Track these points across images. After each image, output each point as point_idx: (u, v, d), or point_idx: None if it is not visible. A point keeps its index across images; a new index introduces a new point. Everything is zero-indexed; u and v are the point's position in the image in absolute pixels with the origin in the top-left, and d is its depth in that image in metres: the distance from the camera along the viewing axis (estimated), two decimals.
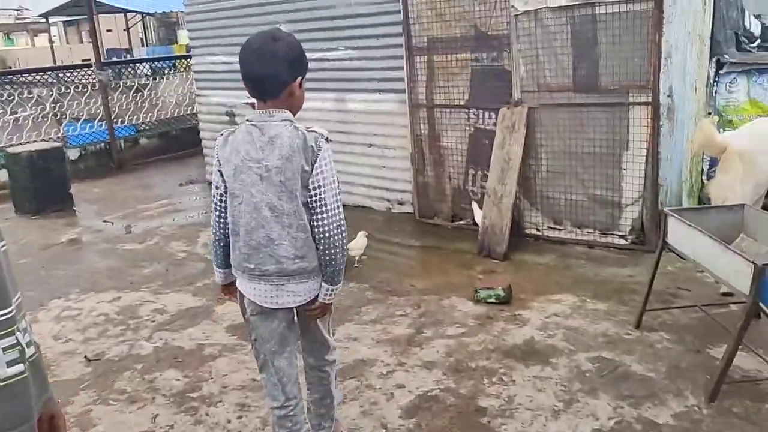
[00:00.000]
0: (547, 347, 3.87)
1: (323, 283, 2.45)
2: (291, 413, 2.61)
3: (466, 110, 5.86)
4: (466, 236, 5.83)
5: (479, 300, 4.52)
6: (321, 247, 2.39)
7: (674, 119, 4.94)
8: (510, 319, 4.27)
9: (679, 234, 3.65)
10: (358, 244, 5.48)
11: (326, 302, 2.50)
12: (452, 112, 5.96)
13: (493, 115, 5.67)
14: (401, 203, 6.80)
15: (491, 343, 3.96)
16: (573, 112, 5.22)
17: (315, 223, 2.36)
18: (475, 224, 5.70)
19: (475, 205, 5.69)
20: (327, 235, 2.36)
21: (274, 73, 2.32)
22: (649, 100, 4.83)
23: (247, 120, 2.40)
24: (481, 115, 5.79)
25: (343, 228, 2.40)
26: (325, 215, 2.35)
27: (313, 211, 2.36)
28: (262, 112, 2.37)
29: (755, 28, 6.94)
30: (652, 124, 4.85)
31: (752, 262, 2.93)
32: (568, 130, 5.28)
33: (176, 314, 4.71)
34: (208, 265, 5.55)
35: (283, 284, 2.42)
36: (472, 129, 5.88)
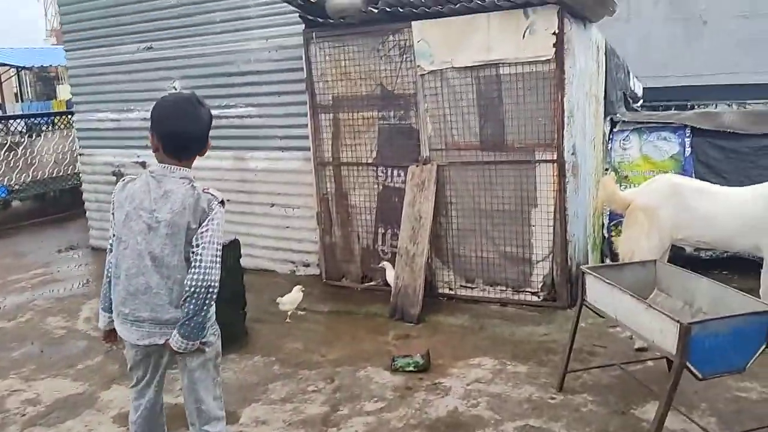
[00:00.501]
0: (472, 418, 3.66)
1: (175, 330, 2.50)
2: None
3: (375, 168, 5.73)
4: (377, 298, 5.60)
5: (397, 369, 4.27)
6: (184, 300, 2.45)
7: (578, 176, 5.03)
8: (431, 388, 4.04)
9: (599, 293, 3.60)
10: (291, 298, 5.26)
11: (174, 348, 2.53)
12: (360, 170, 5.80)
13: (402, 173, 5.56)
14: (307, 265, 6.50)
15: (414, 418, 3.70)
16: (481, 170, 5.21)
17: (188, 277, 2.44)
18: (387, 285, 5.50)
19: (387, 265, 5.49)
20: (193, 290, 2.43)
21: (198, 135, 2.53)
22: (555, 157, 4.89)
23: (149, 170, 2.55)
24: (389, 173, 5.67)
25: (211, 290, 2.46)
26: (198, 271, 2.43)
27: (190, 266, 2.46)
28: (164, 167, 2.53)
29: (638, 89, 7.41)
30: (558, 180, 4.91)
31: (678, 321, 2.88)
32: (477, 187, 5.25)
33: (52, 404, 4.09)
34: (92, 343, 4.97)
35: (155, 332, 2.54)
36: (381, 187, 5.74)
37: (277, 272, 6.66)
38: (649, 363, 4.11)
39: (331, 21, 5.51)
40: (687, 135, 5.83)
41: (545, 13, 4.71)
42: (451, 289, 5.54)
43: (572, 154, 4.92)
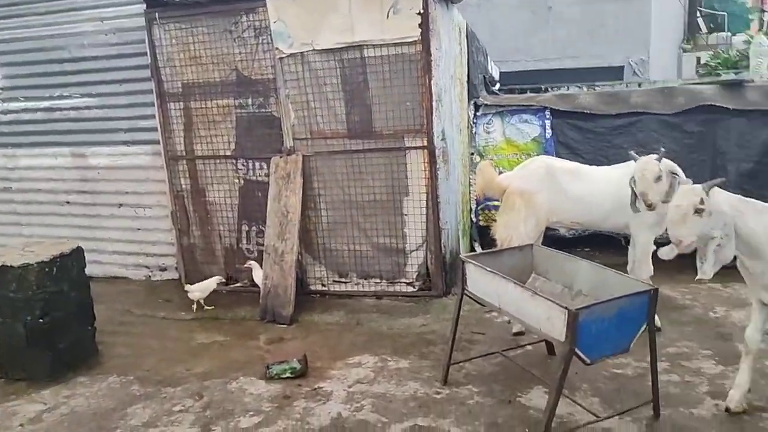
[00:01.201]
0: (357, 424, 3.41)
1: None
2: None
3: (234, 161, 5.29)
4: (244, 300, 5.20)
5: (272, 377, 3.92)
6: None
7: (449, 162, 4.93)
8: (311, 395, 3.74)
9: (480, 282, 3.48)
10: (203, 285, 4.99)
11: None
12: (218, 164, 5.34)
13: (265, 165, 5.18)
14: (164, 269, 5.93)
15: (295, 430, 3.38)
16: (350, 159, 4.96)
17: None
18: (254, 286, 5.11)
19: (254, 264, 5.10)
20: None
21: None
22: (425, 143, 4.75)
23: None
24: (251, 166, 5.26)
25: None
26: None
27: None
28: None
29: (495, 73, 7.51)
30: (429, 168, 4.78)
31: (566, 308, 2.81)
32: (346, 178, 5.00)
33: None
34: None
35: None
36: (242, 181, 5.31)
37: (130, 279, 6.03)
38: (528, 347, 4.09)
39: (177, 0, 4.98)
40: (547, 117, 5.95)
41: None
42: (323, 285, 5.26)
43: (442, 139, 4.81)
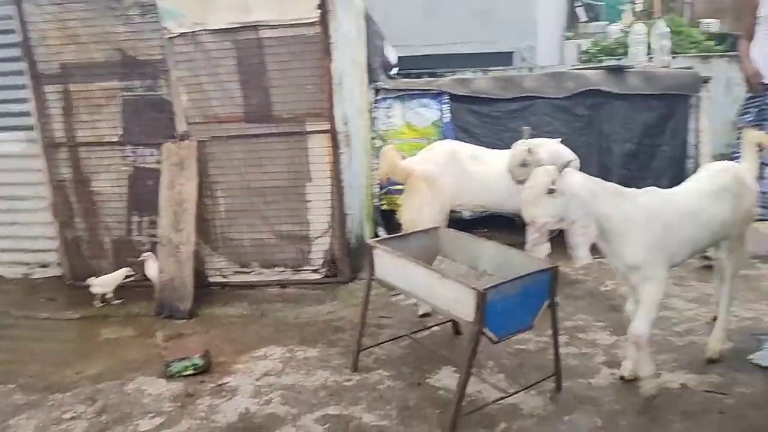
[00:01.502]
0: (267, 418, 3.30)
1: None
2: None
3: (121, 147, 4.95)
4: (138, 296, 4.90)
5: (173, 375, 3.72)
6: None
7: (351, 146, 4.86)
8: (216, 391, 3.58)
9: (388, 266, 3.45)
10: (107, 279, 4.74)
11: None
12: (103, 151, 4.98)
13: (156, 152, 4.89)
14: (45, 266, 5.48)
15: (201, 429, 3.23)
16: (248, 145, 4.78)
17: None
18: (148, 280, 4.82)
19: (148, 257, 4.80)
20: None
21: None
22: (327, 128, 4.66)
23: None
24: (140, 153, 4.94)
25: None
26: None
27: None
28: None
29: (393, 57, 7.49)
30: (332, 152, 4.69)
31: (474, 289, 2.83)
32: (245, 164, 4.81)
33: None
34: None
35: None
36: (132, 169, 4.99)
37: (5, 278, 5.52)
38: (435, 328, 4.12)
39: None
40: (445, 101, 6.00)
41: None
42: (224, 276, 5.06)
43: (344, 123, 4.73)
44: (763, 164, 4.32)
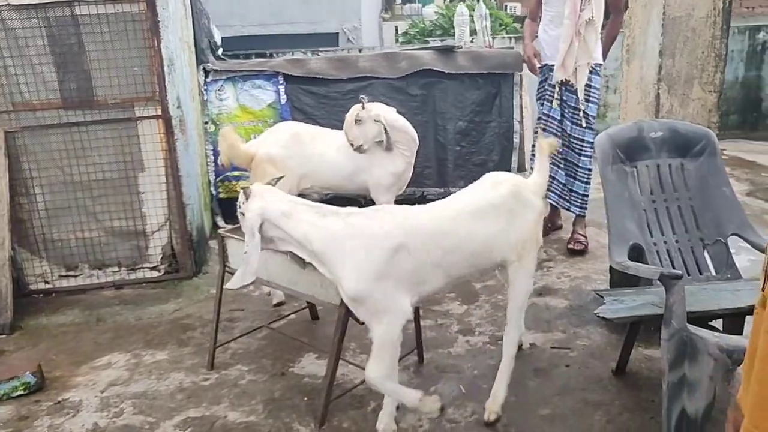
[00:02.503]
0: (121, 430, 3.03)
1: None
2: None
3: None
4: None
5: (0, 399, 3.28)
6: None
7: (186, 132, 4.57)
8: (55, 410, 3.21)
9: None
10: None
11: None
12: None
13: None
14: None
15: None
16: (69, 134, 4.29)
17: None
18: None
19: None
20: None
21: None
22: (159, 112, 4.32)
23: None
24: None
25: None
26: None
27: None
28: None
29: (218, 37, 7.16)
30: (166, 139, 4.37)
31: None
32: (66, 155, 4.32)
33: None
34: None
35: None
36: None
37: None
38: (292, 316, 4.05)
39: None
40: (281, 82, 5.86)
41: None
42: (47, 282, 4.54)
43: (177, 107, 4.42)
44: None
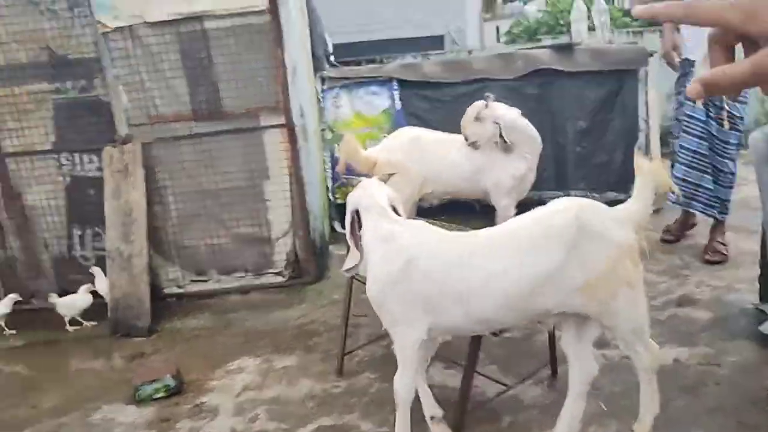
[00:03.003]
0: None
1: None
2: None
3: (56, 156, 4.53)
4: (86, 316, 4.51)
5: (143, 400, 3.43)
6: None
7: (308, 139, 4.63)
8: (194, 413, 3.31)
9: None
10: (76, 301, 4.30)
11: None
12: (35, 160, 4.54)
13: (96, 158, 4.50)
14: None
15: None
16: (199, 144, 4.47)
17: None
18: (98, 297, 4.45)
19: (96, 272, 4.43)
20: None
21: None
22: (283, 121, 4.40)
23: None
24: (78, 160, 4.54)
25: None
26: None
27: None
28: None
29: (329, 45, 7.27)
30: (290, 147, 4.45)
31: None
32: (196, 165, 4.50)
33: None
34: None
35: None
36: (69, 179, 4.58)
37: None
38: None
39: None
40: (395, 88, 5.85)
41: None
42: (179, 286, 4.74)
43: (300, 116, 4.49)
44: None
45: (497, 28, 13.64)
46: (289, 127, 4.41)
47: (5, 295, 4.71)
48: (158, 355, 3.98)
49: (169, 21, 4.23)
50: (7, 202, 4.60)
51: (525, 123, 4.18)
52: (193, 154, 4.48)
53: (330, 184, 5.75)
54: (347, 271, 2.68)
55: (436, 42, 11.40)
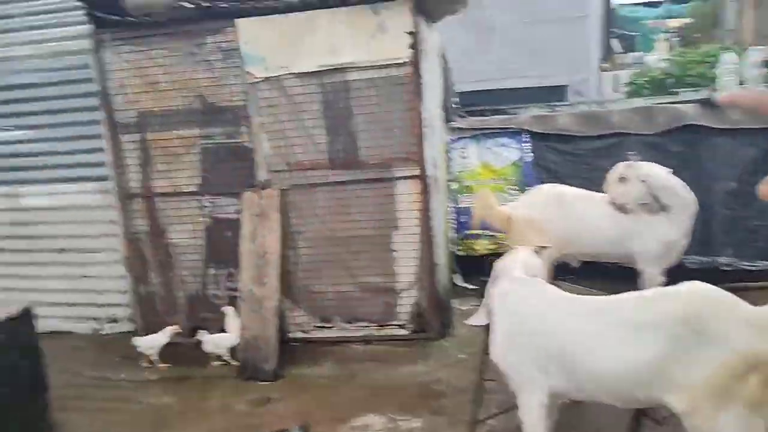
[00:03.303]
0: None
1: None
2: None
3: (199, 197, 4.74)
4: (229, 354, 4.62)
5: None
6: None
7: (440, 191, 4.58)
8: None
9: None
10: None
11: None
12: (180, 201, 4.78)
13: (235, 202, 4.67)
14: (114, 320, 5.27)
15: None
16: (332, 192, 4.53)
17: None
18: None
19: (228, 311, 4.54)
20: None
21: None
22: (417, 172, 4.38)
23: None
24: (219, 203, 4.73)
25: None
26: None
27: None
28: None
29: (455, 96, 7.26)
30: (421, 198, 4.40)
31: None
32: (329, 212, 4.56)
33: None
34: None
35: None
36: (209, 220, 4.77)
37: (74, 333, 5.32)
38: None
39: (131, 19, 4.43)
40: (525, 140, 5.72)
41: (397, 9, 4.17)
42: (304, 331, 4.76)
43: (433, 167, 4.45)
44: None
45: (615, 78, 13.19)
46: (422, 178, 4.37)
47: (140, 329, 4.95)
48: (284, 402, 3.97)
49: (314, 72, 4.35)
50: (154, 239, 4.85)
51: (677, 182, 3.92)
52: (327, 201, 4.54)
53: (453, 236, 5.66)
54: (471, 325, 2.73)
55: (557, 92, 11.18)
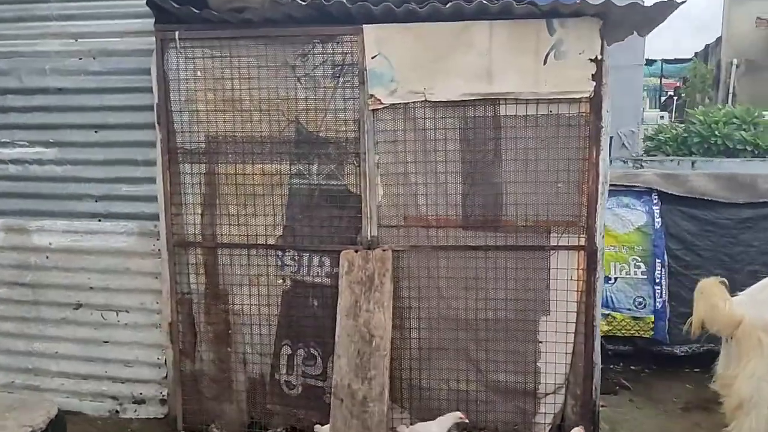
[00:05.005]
0: None
1: None
2: None
3: (280, 253, 3.60)
4: None
5: None
6: None
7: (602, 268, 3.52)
8: None
9: None
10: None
11: None
12: (253, 256, 3.63)
13: (328, 261, 3.55)
14: (140, 402, 4.06)
15: None
16: (463, 259, 3.44)
17: None
18: None
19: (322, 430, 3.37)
20: None
21: None
22: (582, 242, 3.32)
23: None
24: (305, 262, 3.59)
25: None
26: None
27: None
28: None
29: None
30: (585, 276, 3.34)
31: None
32: (454, 285, 3.47)
33: None
34: None
35: None
36: (289, 282, 3.62)
37: (84, 414, 4.08)
38: None
39: (212, 13, 3.35)
40: (654, 202, 4.77)
41: (580, 29, 3.17)
42: None
43: (602, 237, 3.39)
44: None
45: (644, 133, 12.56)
46: (589, 250, 3.32)
47: (176, 416, 3.74)
48: None
49: (457, 102, 3.30)
50: (210, 302, 3.69)
51: None
52: (454, 271, 3.45)
53: None
54: None
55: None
